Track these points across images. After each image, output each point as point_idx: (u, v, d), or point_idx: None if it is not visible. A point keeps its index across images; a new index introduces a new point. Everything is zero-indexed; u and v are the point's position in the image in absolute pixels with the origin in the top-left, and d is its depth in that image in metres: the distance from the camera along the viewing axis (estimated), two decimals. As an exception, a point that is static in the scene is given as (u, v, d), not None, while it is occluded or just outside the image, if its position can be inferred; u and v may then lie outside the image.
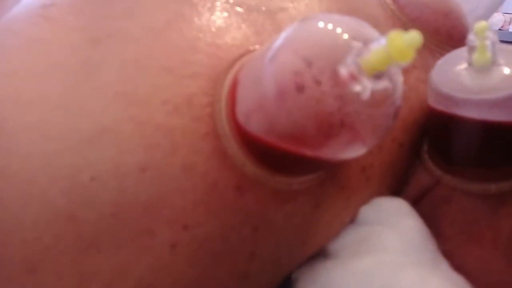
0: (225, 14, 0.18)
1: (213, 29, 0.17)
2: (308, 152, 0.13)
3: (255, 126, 0.14)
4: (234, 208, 0.15)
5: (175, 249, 0.14)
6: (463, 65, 0.16)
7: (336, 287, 0.16)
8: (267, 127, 0.14)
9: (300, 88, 0.13)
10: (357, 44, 0.12)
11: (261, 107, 0.14)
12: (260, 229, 0.16)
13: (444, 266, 0.16)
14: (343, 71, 0.12)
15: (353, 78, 0.12)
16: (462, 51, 0.17)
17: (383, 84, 0.12)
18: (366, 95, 0.12)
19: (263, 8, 0.18)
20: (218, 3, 0.18)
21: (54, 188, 0.13)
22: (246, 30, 0.17)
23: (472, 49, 0.16)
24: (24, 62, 0.15)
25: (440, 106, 0.17)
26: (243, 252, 0.15)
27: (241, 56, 0.16)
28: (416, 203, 0.19)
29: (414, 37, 0.10)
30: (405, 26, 0.22)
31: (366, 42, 0.12)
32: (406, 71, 0.20)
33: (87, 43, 0.16)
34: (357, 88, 0.12)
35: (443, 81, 0.17)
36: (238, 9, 0.18)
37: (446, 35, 0.22)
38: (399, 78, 0.13)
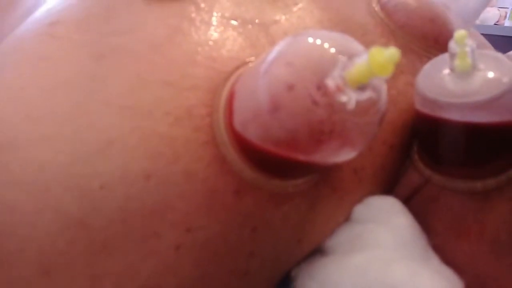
0: (221, 28, 0.19)
1: (211, 43, 0.18)
2: (301, 157, 0.14)
3: (251, 134, 0.15)
4: (234, 211, 0.16)
5: (179, 251, 0.15)
6: (446, 71, 0.17)
7: (332, 281, 0.17)
8: (263, 135, 0.15)
9: (293, 98, 0.14)
10: (342, 58, 0.13)
11: (256, 117, 0.15)
12: (258, 229, 0.17)
13: (435, 260, 0.17)
14: (330, 83, 0.13)
15: (339, 89, 0.13)
16: (445, 57, 0.18)
17: (366, 94, 0.13)
18: (351, 105, 0.13)
19: (257, 21, 0.20)
20: (214, 18, 0.19)
21: (66, 197, 0.14)
22: (241, 42, 0.18)
23: (453, 56, 0.17)
24: (34, 79, 0.17)
25: (426, 110, 0.18)
26: (243, 251, 0.16)
27: (237, 68, 0.18)
28: (407, 201, 0.20)
29: (393, 53, 0.11)
30: (394, 33, 0.23)
31: (351, 56, 0.13)
32: (394, 76, 0.21)
33: (92, 59, 0.17)
34: (343, 98, 0.13)
35: (428, 86, 0.18)
36: (233, 22, 0.19)
37: (432, 40, 0.23)
38: (383, 87, 0.14)
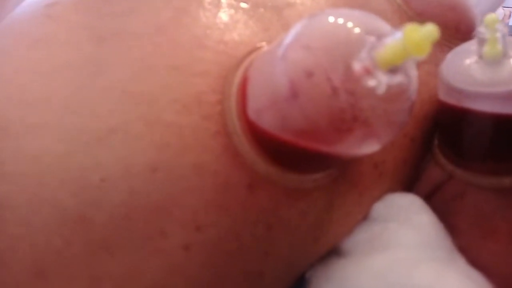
0: (232, 10, 0.17)
1: (220, 26, 0.17)
2: (322, 147, 0.13)
3: (267, 123, 0.14)
4: (247, 206, 0.15)
5: (188, 251, 0.14)
6: (474, 58, 0.16)
7: (351, 284, 0.16)
8: (280, 123, 0.14)
9: (312, 84, 0.12)
10: (370, 39, 0.12)
11: (273, 104, 0.14)
12: (273, 227, 0.15)
13: (461, 262, 0.16)
14: (357, 66, 0.12)
15: (368, 72, 0.12)
16: (471, 44, 0.17)
17: (398, 78, 0.12)
18: (381, 90, 0.12)
19: (269, 4, 0.18)
20: (223, 0, 0.18)
21: (63, 190, 0.13)
22: (253, 26, 0.17)
23: (482, 42, 0.16)
24: (29, 62, 0.15)
25: (451, 100, 0.17)
26: (257, 251, 0.15)
27: (250, 52, 0.16)
28: (428, 198, 0.19)
29: (430, 30, 0.10)
30: (412, 20, 0.21)
31: (380, 36, 0.12)
32: (416, 66, 0.20)
33: (92, 42, 0.16)
34: (371, 82, 0.12)
35: (454, 75, 0.17)
36: (244, 5, 0.18)
37: (453, 29, 0.21)
38: (414, 73, 0.13)
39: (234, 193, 0.15)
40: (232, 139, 0.15)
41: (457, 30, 0.21)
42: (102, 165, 0.13)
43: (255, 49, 0.16)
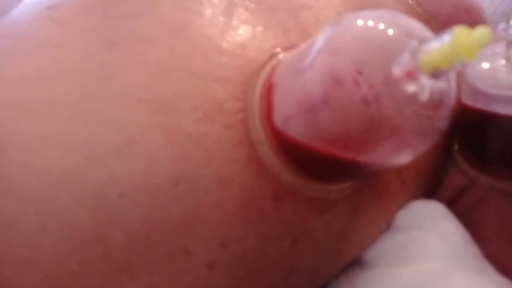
0: (247, 13, 0.16)
1: (236, 28, 0.16)
2: (355, 157, 0.12)
3: (295, 131, 0.13)
4: (272, 220, 0.14)
5: (214, 269, 0.13)
6: (501, 61, 0.16)
7: (380, 298, 0.15)
8: (310, 131, 0.13)
9: (346, 91, 0.12)
10: (412, 42, 0.11)
11: (302, 111, 0.13)
12: (299, 241, 0.15)
13: (491, 271, 0.16)
14: (397, 71, 0.11)
15: (410, 77, 0.11)
16: (497, 47, 0.16)
17: (441, 84, 0.11)
18: (424, 95, 0.11)
19: (285, 6, 0.17)
20: (239, 1, 0.17)
21: (77, 207, 0.12)
22: (272, 29, 0.16)
23: (510, 44, 0.15)
24: (33, 68, 0.14)
25: (477, 104, 0.16)
26: (282, 266, 0.14)
27: (272, 57, 0.15)
28: (450, 205, 0.18)
29: (483, 34, 0.10)
30: (427, 22, 0.21)
31: (422, 39, 0.11)
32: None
33: (101, 46, 0.14)
34: (412, 88, 0.11)
35: (480, 78, 0.16)
36: (259, 7, 0.17)
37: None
38: (453, 78, 0.12)
39: (260, 206, 0.14)
40: (256, 148, 0.14)
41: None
42: (120, 179, 0.12)
43: (275, 54, 0.16)
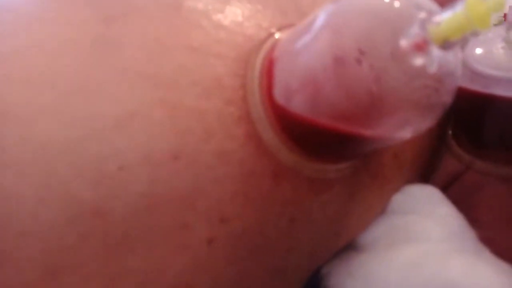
0: None
1: (236, 6, 0.15)
2: (361, 131, 0.12)
3: (298, 106, 0.13)
4: (271, 197, 0.14)
5: (212, 245, 0.13)
6: (500, 44, 0.16)
7: (378, 279, 0.15)
8: (314, 106, 0.13)
9: (352, 65, 0.11)
10: (421, 13, 0.11)
11: (306, 87, 0.13)
12: (296, 220, 0.14)
13: (487, 253, 0.16)
14: (406, 43, 0.11)
15: (419, 48, 0.11)
16: (496, 30, 0.16)
17: (449, 57, 0.11)
18: (433, 67, 0.11)
19: None
20: None
21: (77, 180, 0.12)
22: (271, 9, 0.16)
23: (511, 26, 0.15)
24: (30, 40, 0.14)
25: (475, 86, 0.16)
26: (280, 246, 0.14)
27: (270, 35, 0.15)
28: (445, 190, 0.18)
29: (497, 2, 0.09)
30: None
31: (431, 11, 0.11)
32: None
33: (99, 21, 0.14)
34: (420, 60, 0.11)
35: (479, 61, 0.16)
36: None
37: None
38: (459, 54, 0.12)
39: (259, 183, 0.14)
40: (256, 125, 0.14)
41: None
42: (120, 152, 0.12)
43: (274, 32, 0.15)
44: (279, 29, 0.16)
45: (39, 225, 0.11)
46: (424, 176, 0.19)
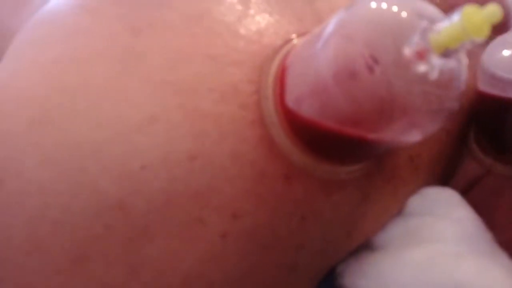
0: (265, 2, 0.17)
1: (254, 15, 0.16)
2: (366, 135, 0.13)
3: (307, 110, 0.14)
4: (282, 197, 0.15)
5: (226, 239, 0.14)
6: (520, 47, 0.16)
7: (389, 279, 0.16)
8: (322, 110, 0.13)
9: (360, 72, 0.12)
10: (422, 23, 0.11)
11: (315, 91, 0.13)
12: (308, 219, 0.15)
13: (503, 257, 0.16)
14: (408, 51, 0.11)
15: (420, 57, 0.11)
16: (516, 33, 0.16)
17: (451, 64, 0.11)
18: (434, 74, 0.11)
19: None
20: None
21: (104, 176, 0.13)
22: (288, 17, 0.17)
23: (530, 30, 0.15)
24: (66, 51, 0.15)
25: (495, 91, 0.16)
26: (291, 243, 0.15)
27: (286, 42, 0.16)
28: (464, 193, 0.18)
29: (493, 11, 0.10)
30: (447, 13, 0.21)
31: (432, 19, 0.11)
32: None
33: (127, 33, 0.15)
34: (423, 68, 0.11)
35: (496, 64, 0.16)
36: None
37: None
38: (465, 61, 0.12)
39: (271, 184, 0.14)
40: (269, 129, 0.15)
41: None
42: (142, 152, 0.13)
43: (290, 39, 0.16)
44: (295, 36, 0.16)
45: (70, 216, 0.13)
46: (444, 179, 0.19)
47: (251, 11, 0.17)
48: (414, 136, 0.13)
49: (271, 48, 0.16)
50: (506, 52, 0.16)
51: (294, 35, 0.16)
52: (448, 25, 0.11)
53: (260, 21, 0.16)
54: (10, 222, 0.13)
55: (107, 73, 0.15)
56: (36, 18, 0.18)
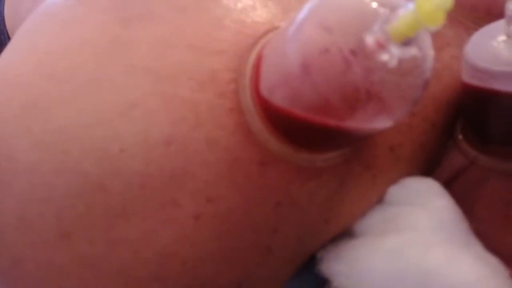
0: None
1: (240, 7, 0.17)
2: (334, 122, 0.13)
3: (279, 99, 0.14)
4: (257, 183, 0.15)
5: (199, 221, 0.14)
6: (501, 38, 0.16)
7: (362, 264, 0.16)
8: (292, 99, 0.14)
9: (323, 60, 0.12)
10: (384, 11, 0.12)
11: (285, 81, 0.14)
12: (283, 205, 0.16)
13: (478, 247, 0.16)
14: (370, 40, 0.12)
15: (380, 46, 0.11)
16: (499, 24, 0.16)
17: (411, 51, 0.12)
18: (393, 63, 0.11)
19: None
20: None
21: (86, 159, 0.14)
22: (272, 8, 0.17)
23: (511, 19, 0.15)
24: (60, 42, 0.16)
25: (475, 81, 0.16)
26: (265, 226, 0.15)
27: (266, 33, 0.16)
28: (448, 185, 0.18)
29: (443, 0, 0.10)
30: None
31: (393, 8, 0.12)
32: (439, 48, 0.20)
33: (117, 23, 0.16)
34: (383, 57, 0.12)
35: (479, 55, 0.16)
36: None
37: (484, 11, 0.20)
38: (430, 51, 0.12)
39: (246, 169, 0.15)
40: (246, 116, 0.15)
41: (489, 13, 0.20)
42: (121, 137, 0.14)
43: (272, 29, 0.17)
44: (276, 27, 0.17)
45: (56, 194, 0.14)
46: (428, 170, 0.19)
47: (238, 4, 0.17)
48: (383, 123, 0.13)
49: (253, 38, 0.16)
50: (487, 43, 0.16)
51: (277, 25, 0.17)
52: (403, 15, 0.11)
53: (245, 12, 0.17)
54: (1, 199, 0.14)
55: (95, 61, 0.15)
56: (36, 10, 0.19)
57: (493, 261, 0.15)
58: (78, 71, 0.15)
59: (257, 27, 0.16)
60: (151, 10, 0.16)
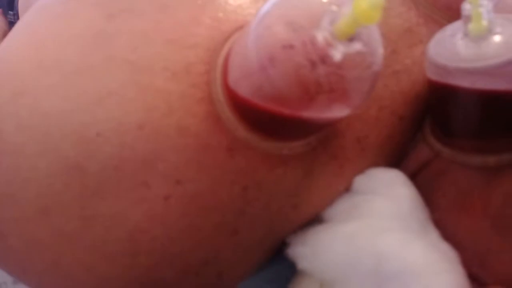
0: None
1: (218, 3, 0.18)
2: (290, 112, 0.14)
3: (243, 90, 0.15)
4: (225, 167, 0.16)
5: (168, 201, 0.16)
6: (460, 35, 0.16)
7: (323, 247, 0.17)
8: (253, 91, 0.15)
9: (278, 54, 0.13)
10: (333, 8, 0.13)
11: (247, 73, 0.15)
12: (249, 188, 0.17)
13: (433, 234, 0.17)
14: (319, 36, 0.13)
15: (327, 42, 0.12)
16: (459, 23, 0.17)
17: (355, 47, 0.13)
18: (337, 57, 0.12)
19: None
20: None
21: (65, 142, 0.15)
22: (248, 3, 0.18)
23: (467, 18, 0.16)
24: (50, 34, 0.17)
25: (436, 77, 0.17)
26: (232, 208, 0.17)
27: (240, 27, 0.17)
28: (413, 176, 0.19)
29: (377, -1, 0.11)
30: (415, 1, 0.21)
31: (341, 5, 0.13)
32: (412, 45, 0.20)
33: (103, 18, 0.17)
34: (331, 51, 0.13)
35: (439, 52, 0.17)
36: None
37: (457, 10, 0.21)
38: (379, 48, 0.13)
39: (214, 154, 0.16)
40: (216, 106, 0.16)
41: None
42: (98, 122, 0.15)
43: (245, 24, 0.18)
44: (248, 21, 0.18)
45: (37, 174, 0.15)
46: (395, 161, 0.20)
47: (216, 1, 0.18)
48: (339, 112, 0.14)
49: (227, 33, 0.17)
50: (447, 41, 0.17)
51: (248, 20, 0.18)
52: (345, 14, 0.12)
53: (222, 8, 0.18)
54: None
55: (80, 52, 0.17)
56: (36, 3, 0.20)
57: (445, 247, 0.16)
58: (64, 62, 0.16)
59: (231, 23, 0.17)
60: (133, 6, 0.18)
